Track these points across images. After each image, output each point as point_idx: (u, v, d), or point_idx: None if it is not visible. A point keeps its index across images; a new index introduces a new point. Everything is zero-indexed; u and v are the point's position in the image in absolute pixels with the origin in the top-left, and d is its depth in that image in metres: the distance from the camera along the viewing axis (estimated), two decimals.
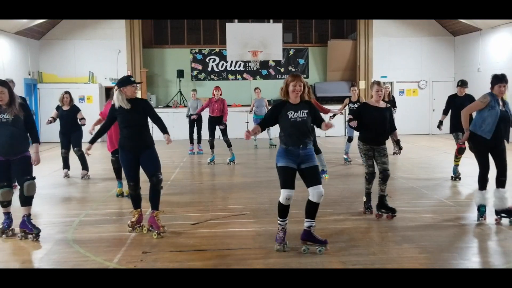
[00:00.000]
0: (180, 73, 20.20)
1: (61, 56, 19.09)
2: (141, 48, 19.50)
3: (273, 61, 20.76)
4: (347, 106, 11.69)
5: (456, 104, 9.12)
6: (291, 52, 21.37)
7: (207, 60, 21.19)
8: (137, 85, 6.19)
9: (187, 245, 5.78)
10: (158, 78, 21.02)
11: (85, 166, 10.36)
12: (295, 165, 5.31)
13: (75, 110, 10.40)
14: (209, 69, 21.22)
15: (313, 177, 5.30)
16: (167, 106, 20.20)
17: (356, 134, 7.17)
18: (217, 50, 21.08)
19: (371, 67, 20.07)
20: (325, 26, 21.82)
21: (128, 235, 6.14)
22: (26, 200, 6.09)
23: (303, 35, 21.82)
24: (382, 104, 6.85)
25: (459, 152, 9.30)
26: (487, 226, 6.39)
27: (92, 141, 6.29)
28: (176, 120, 18.41)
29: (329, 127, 5.35)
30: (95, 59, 19.12)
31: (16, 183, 6.54)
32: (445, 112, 9.72)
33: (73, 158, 10.52)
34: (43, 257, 5.49)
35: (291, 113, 5.30)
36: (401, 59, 20.00)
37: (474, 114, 6.66)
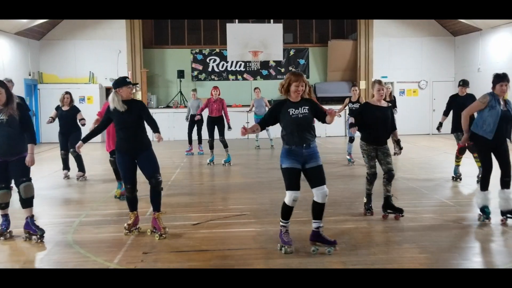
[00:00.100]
0: (181, 74, 20.20)
1: (62, 57, 19.09)
2: (141, 48, 19.50)
3: (274, 61, 20.76)
4: (347, 106, 11.69)
5: (457, 104, 9.05)
6: (292, 53, 21.37)
7: (207, 60, 21.20)
8: (133, 86, 6.14)
9: (188, 246, 5.78)
10: (158, 78, 21.03)
11: (81, 168, 10.26)
12: (300, 165, 5.26)
13: (74, 110, 10.35)
14: (210, 69, 21.22)
15: (317, 178, 5.25)
16: (168, 107, 20.21)
17: (357, 134, 7.12)
18: (217, 50, 21.09)
19: (372, 67, 20.06)
20: (326, 26, 21.82)
21: (129, 235, 6.13)
22: (26, 202, 6.05)
23: (303, 35, 21.82)
24: (384, 104, 6.80)
25: (460, 152, 9.27)
26: (488, 226, 6.37)
27: (84, 140, 6.21)
28: (176, 121, 18.43)
29: (333, 115, 5.19)
30: (96, 60, 19.13)
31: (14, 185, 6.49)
32: (445, 114, 9.62)
33: (73, 159, 10.48)
34: (44, 257, 5.49)
35: (292, 110, 5.25)
36: (402, 59, 20.00)
37: (475, 115, 6.64)
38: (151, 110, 18.87)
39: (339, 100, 19.50)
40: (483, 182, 6.51)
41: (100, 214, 7.42)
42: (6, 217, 6.15)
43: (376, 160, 6.79)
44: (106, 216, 7.25)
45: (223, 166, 11.93)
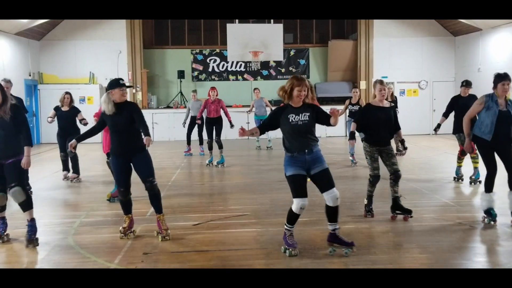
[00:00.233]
0: (181, 74, 20.20)
1: (62, 57, 19.08)
2: (141, 48, 19.50)
3: (274, 61, 20.76)
4: (348, 108, 11.68)
5: (459, 105, 8.89)
6: (292, 53, 21.37)
7: (207, 60, 21.20)
8: (127, 88, 5.95)
9: (188, 246, 5.78)
10: (158, 78, 21.03)
11: (76, 170, 10.15)
12: (304, 171, 5.19)
13: (74, 111, 10.21)
14: (210, 69, 21.22)
15: (324, 182, 5.18)
16: (168, 107, 20.21)
17: (356, 134, 7.08)
18: (217, 50, 21.09)
19: (372, 68, 20.06)
20: (326, 26, 21.82)
21: (124, 238, 6.09)
22: (22, 205, 5.89)
23: (303, 35, 21.83)
24: (386, 104, 6.73)
25: (462, 153, 9.20)
26: (489, 227, 6.35)
27: (78, 139, 6.12)
28: (176, 121, 18.39)
29: (336, 115, 5.07)
30: (96, 60, 19.11)
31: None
32: (445, 115, 9.39)
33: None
34: (44, 258, 5.48)
35: (292, 116, 5.18)
36: (402, 59, 19.99)
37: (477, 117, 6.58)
38: (151, 111, 19.22)
39: (339, 100, 19.51)
40: (488, 184, 6.42)
41: (101, 215, 7.43)
42: (3, 220, 6.08)
43: (381, 161, 6.71)
44: (107, 217, 7.25)
45: (217, 167, 11.79)
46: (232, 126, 12.29)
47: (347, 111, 11.84)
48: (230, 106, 19.18)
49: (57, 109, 10.23)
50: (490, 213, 6.42)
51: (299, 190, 5.15)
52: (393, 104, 6.93)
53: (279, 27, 18.92)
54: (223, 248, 5.68)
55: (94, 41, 19.17)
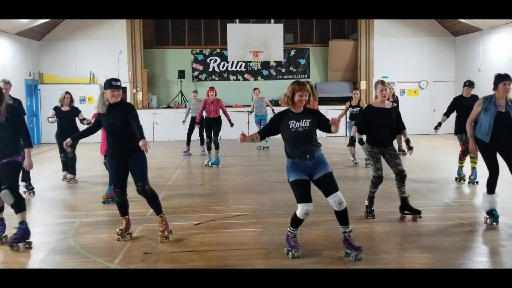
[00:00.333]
0: (181, 74, 20.21)
1: (62, 57, 19.09)
2: (142, 48, 19.51)
3: (274, 61, 20.75)
4: (348, 110, 11.67)
5: (462, 105, 8.81)
6: (292, 53, 21.37)
7: (208, 60, 21.20)
8: (119, 89, 5.80)
9: (188, 246, 5.78)
10: (159, 78, 21.04)
11: (73, 170, 10.07)
12: (306, 176, 5.11)
13: (74, 111, 10.14)
14: (210, 69, 21.23)
15: (327, 186, 5.09)
16: (168, 107, 20.22)
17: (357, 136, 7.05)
18: (218, 50, 21.09)
19: (372, 67, 20.06)
20: (326, 26, 21.82)
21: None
22: (13, 207, 5.79)
23: (304, 35, 21.83)
24: (388, 104, 6.69)
25: (464, 154, 9.16)
26: (490, 227, 6.34)
27: (73, 138, 6.12)
28: (177, 121, 18.38)
29: (337, 124, 4.98)
30: (96, 60, 19.11)
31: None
32: (446, 114, 9.33)
33: None
34: (44, 258, 5.48)
35: (293, 123, 5.10)
36: (402, 59, 19.99)
37: None
38: (151, 111, 19.23)
39: (339, 100, 19.53)
40: (490, 185, 6.38)
41: (101, 215, 7.43)
42: (1, 221, 6.06)
43: (385, 162, 6.64)
44: (107, 217, 7.25)
45: (211, 168, 11.72)
46: (232, 125, 12.29)
47: (348, 113, 11.83)
48: (231, 106, 19.21)
49: (57, 109, 10.12)
50: (492, 214, 6.39)
51: (303, 196, 5.07)
52: (395, 105, 6.84)
53: (280, 27, 18.92)
54: (223, 248, 5.68)
55: (95, 41, 19.18)
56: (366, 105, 8.08)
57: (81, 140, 9.94)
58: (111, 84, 5.77)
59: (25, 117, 7.60)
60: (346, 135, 17.51)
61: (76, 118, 10.15)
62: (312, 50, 21.54)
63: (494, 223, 6.35)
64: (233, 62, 20.97)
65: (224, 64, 21.18)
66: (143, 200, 6.13)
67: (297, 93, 5.08)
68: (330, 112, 16.30)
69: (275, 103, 18.57)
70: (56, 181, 10.23)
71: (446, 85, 19.91)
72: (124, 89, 19.11)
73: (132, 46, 19.26)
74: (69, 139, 6.05)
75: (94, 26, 19.04)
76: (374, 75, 19.77)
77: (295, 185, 5.11)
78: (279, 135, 5.32)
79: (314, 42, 21.79)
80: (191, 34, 21.48)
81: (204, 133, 12.72)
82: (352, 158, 11.58)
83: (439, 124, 9.34)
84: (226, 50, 19.21)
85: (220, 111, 12.10)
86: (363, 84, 19.85)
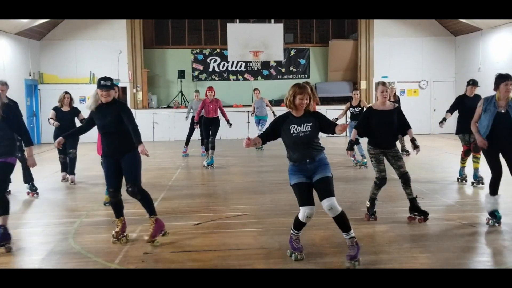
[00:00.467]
0: (181, 74, 20.21)
1: (62, 57, 19.08)
2: (142, 48, 19.50)
3: (274, 61, 20.75)
4: (348, 110, 11.66)
5: (466, 105, 8.75)
6: (292, 52, 21.37)
7: (208, 60, 21.20)
8: (107, 90, 5.71)
9: (189, 246, 5.78)
10: (159, 78, 21.04)
11: (72, 171, 9.97)
12: (307, 179, 5.05)
13: (75, 111, 10.00)
14: (210, 69, 21.23)
15: (322, 190, 4.99)
16: (168, 107, 20.22)
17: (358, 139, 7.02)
18: (218, 50, 21.09)
19: (372, 67, 20.07)
20: (326, 26, 21.83)
21: (129, 236, 6.11)
22: None
23: (304, 35, 21.83)
24: (389, 106, 6.62)
25: (466, 154, 9.12)
26: (490, 227, 6.33)
27: (66, 136, 6.08)
28: (177, 121, 18.42)
29: (344, 129, 4.88)
30: (96, 60, 19.10)
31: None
32: (450, 111, 9.25)
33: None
34: (45, 258, 5.48)
35: (294, 127, 5.03)
36: (402, 59, 19.99)
37: None
38: (151, 110, 19.22)
39: (339, 100, 19.54)
40: (493, 186, 6.34)
41: (101, 215, 7.42)
42: None
43: (389, 164, 6.59)
44: (107, 217, 7.24)
45: (207, 168, 11.66)
46: (230, 125, 12.27)
47: (348, 113, 11.81)
48: (231, 106, 19.22)
49: (57, 110, 9.96)
50: (494, 215, 6.36)
51: (304, 199, 5.02)
52: (396, 105, 6.75)
53: (280, 27, 18.92)
54: (223, 248, 5.68)
55: (95, 41, 19.17)
56: (367, 104, 8.08)
57: (81, 140, 10.01)
58: (100, 84, 5.72)
59: (24, 118, 7.56)
60: (346, 135, 17.51)
61: (76, 119, 10.06)
62: (312, 50, 21.55)
63: (496, 224, 6.32)
64: (233, 62, 20.97)
65: (224, 64, 21.18)
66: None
67: (298, 96, 5.00)
68: (330, 112, 16.30)
69: (275, 103, 18.57)
70: (56, 181, 10.22)
71: (446, 85, 19.91)
72: (124, 89, 19.14)
73: (132, 46, 19.26)
74: (60, 137, 5.98)
75: (94, 26, 19.04)
76: (374, 75, 19.78)
77: (297, 188, 5.07)
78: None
79: (314, 42, 21.79)
80: (191, 34, 21.48)
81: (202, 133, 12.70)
82: (352, 158, 11.57)
83: (444, 119, 9.28)
84: (226, 50, 19.21)
85: (218, 111, 12.07)
86: (363, 84, 19.85)
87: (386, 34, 19.91)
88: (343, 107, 12.21)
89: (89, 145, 14.24)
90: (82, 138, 9.37)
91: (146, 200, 5.89)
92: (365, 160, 11.21)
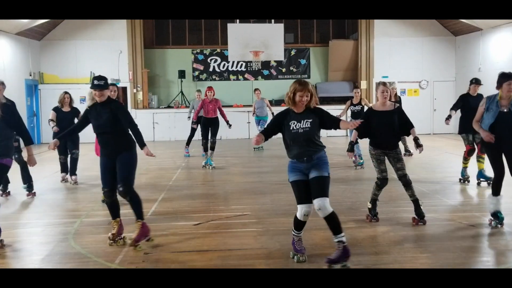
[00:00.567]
0: (182, 74, 20.21)
1: (62, 57, 19.09)
2: (142, 48, 19.51)
3: (275, 61, 20.75)
4: (349, 108, 11.66)
5: (469, 104, 8.67)
6: (293, 52, 21.37)
7: (208, 60, 21.20)
8: (100, 89, 5.68)
9: (189, 246, 5.78)
10: (159, 78, 21.04)
11: (73, 171, 9.96)
12: (305, 176, 5.03)
13: (75, 112, 9.95)
14: (211, 69, 21.23)
15: (315, 189, 4.94)
16: (169, 107, 20.22)
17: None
18: (218, 50, 21.09)
19: (373, 67, 20.07)
20: (327, 26, 21.83)
21: (130, 236, 6.09)
22: None
23: (304, 35, 21.83)
24: (389, 106, 6.56)
25: (469, 154, 9.07)
26: (493, 228, 6.31)
27: (60, 138, 6.02)
28: (177, 121, 18.43)
29: (354, 126, 4.93)
30: (96, 60, 19.10)
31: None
32: (454, 108, 9.19)
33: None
34: (45, 258, 5.48)
35: (294, 123, 5.00)
36: (402, 59, 19.99)
37: None
38: (152, 110, 19.21)
39: (340, 100, 19.53)
40: (495, 187, 6.31)
41: (101, 215, 7.42)
42: None
43: (390, 164, 6.55)
44: (107, 217, 7.21)
45: (212, 168, 11.62)
46: (230, 126, 12.24)
47: (349, 112, 11.81)
48: (231, 106, 19.22)
49: (57, 110, 9.89)
50: (497, 216, 6.33)
51: (302, 196, 5.00)
52: (397, 105, 6.69)
53: (280, 27, 18.91)
54: (224, 248, 5.68)
55: (95, 41, 19.17)
56: (368, 102, 8.05)
57: (81, 140, 10.03)
58: (93, 83, 5.70)
59: (24, 118, 7.56)
60: (347, 135, 17.52)
61: (76, 119, 10.02)
62: (312, 50, 21.55)
63: (499, 226, 6.29)
64: (233, 62, 20.97)
65: (224, 64, 21.19)
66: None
67: (298, 93, 4.97)
68: (330, 112, 16.18)
69: (276, 103, 18.56)
70: (56, 181, 10.22)
71: (446, 85, 19.91)
72: (125, 89, 19.14)
73: (132, 46, 19.26)
74: (55, 139, 5.88)
75: (94, 26, 19.04)
76: (375, 75, 19.78)
77: (295, 186, 5.06)
78: (279, 135, 5.25)
79: (315, 42, 21.79)
80: (191, 34, 21.48)
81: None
82: (353, 158, 11.56)
83: (450, 116, 9.20)
84: (227, 50, 19.20)
85: (218, 111, 12.04)
86: (363, 84, 19.85)
87: (386, 34, 19.91)
88: (343, 107, 12.21)
89: (89, 145, 14.23)
90: (83, 138, 9.47)
91: (135, 202, 5.79)
92: (361, 161, 11.22)
